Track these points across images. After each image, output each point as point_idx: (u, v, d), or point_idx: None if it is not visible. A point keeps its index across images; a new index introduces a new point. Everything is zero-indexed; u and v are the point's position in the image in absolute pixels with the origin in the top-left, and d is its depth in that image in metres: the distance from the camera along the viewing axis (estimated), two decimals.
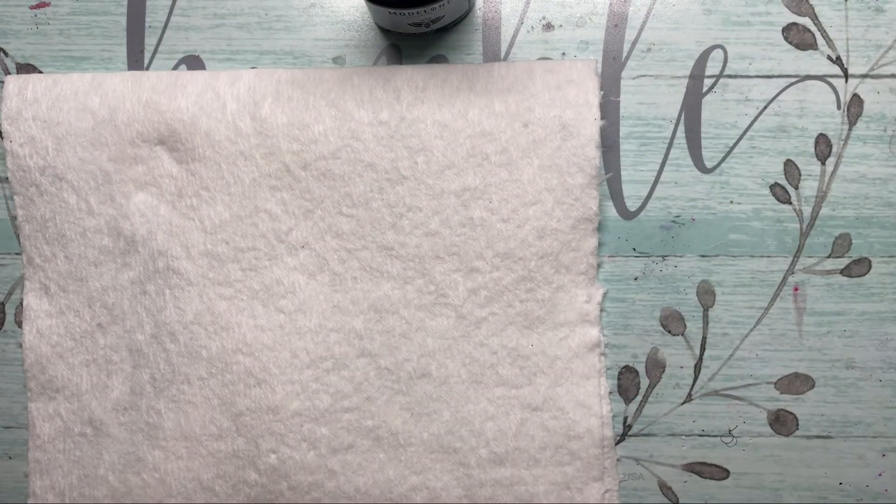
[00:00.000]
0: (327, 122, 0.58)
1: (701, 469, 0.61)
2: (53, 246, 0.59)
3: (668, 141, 0.60)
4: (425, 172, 0.58)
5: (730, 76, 0.59)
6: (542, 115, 0.57)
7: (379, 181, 0.58)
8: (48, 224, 0.59)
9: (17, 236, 0.61)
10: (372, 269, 0.59)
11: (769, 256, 0.60)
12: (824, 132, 0.59)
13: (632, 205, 0.60)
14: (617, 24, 0.60)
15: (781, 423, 0.61)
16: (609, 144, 0.60)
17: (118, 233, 0.59)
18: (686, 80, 0.60)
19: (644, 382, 0.61)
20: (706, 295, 0.60)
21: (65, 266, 0.60)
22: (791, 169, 0.59)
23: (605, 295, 0.60)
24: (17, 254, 0.61)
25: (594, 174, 0.58)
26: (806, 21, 0.59)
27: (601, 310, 0.60)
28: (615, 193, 0.60)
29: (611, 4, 0.60)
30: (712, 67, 0.59)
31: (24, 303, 0.60)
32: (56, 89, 0.59)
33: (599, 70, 0.60)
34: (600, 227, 0.60)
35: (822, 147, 0.59)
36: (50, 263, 0.60)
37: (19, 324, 0.61)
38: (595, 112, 0.57)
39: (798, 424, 0.61)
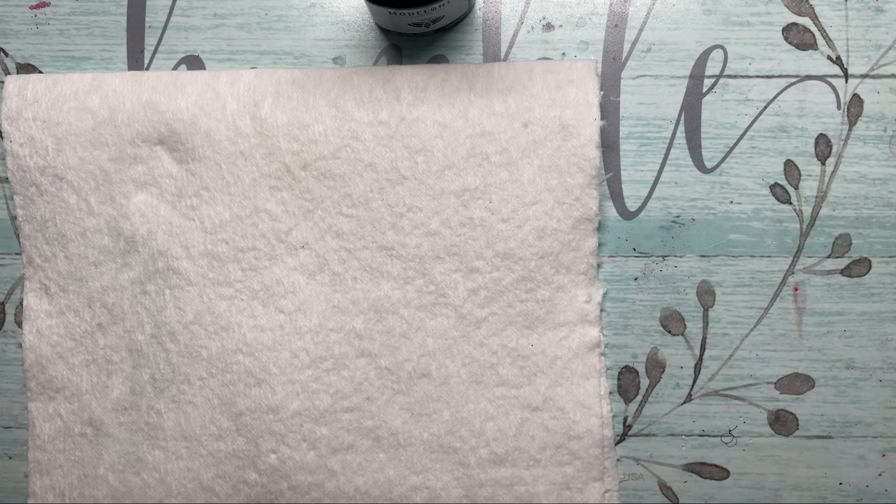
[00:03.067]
0: (327, 122, 0.58)
1: (701, 469, 0.61)
2: (53, 246, 0.59)
3: (668, 141, 0.60)
4: (425, 172, 0.58)
5: (730, 76, 0.59)
6: (542, 115, 0.57)
7: (379, 181, 0.58)
8: (48, 224, 0.59)
9: (17, 236, 0.61)
10: (372, 269, 0.59)
11: (769, 256, 0.60)
12: (824, 132, 0.59)
13: (632, 205, 0.60)
14: (617, 24, 0.60)
15: (781, 423, 0.61)
16: (609, 144, 0.60)
17: (118, 233, 0.59)
18: (686, 80, 0.60)
19: (644, 382, 0.61)
20: (706, 295, 0.60)
21: (65, 266, 0.60)
22: (791, 169, 0.59)
23: (605, 295, 0.60)
24: (17, 254, 0.61)
25: (594, 174, 0.58)
26: (806, 21, 0.59)
27: (601, 310, 0.60)
28: (615, 193, 0.60)
29: (611, 4, 0.60)
30: (712, 67, 0.59)
31: (24, 303, 0.60)
32: (56, 89, 0.59)
33: (599, 70, 0.60)
34: (600, 227, 0.60)
35: (822, 147, 0.59)
36: (50, 263, 0.60)
37: (19, 324, 0.61)
38: (595, 112, 0.57)
39: (798, 424, 0.61)
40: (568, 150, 0.57)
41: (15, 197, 0.59)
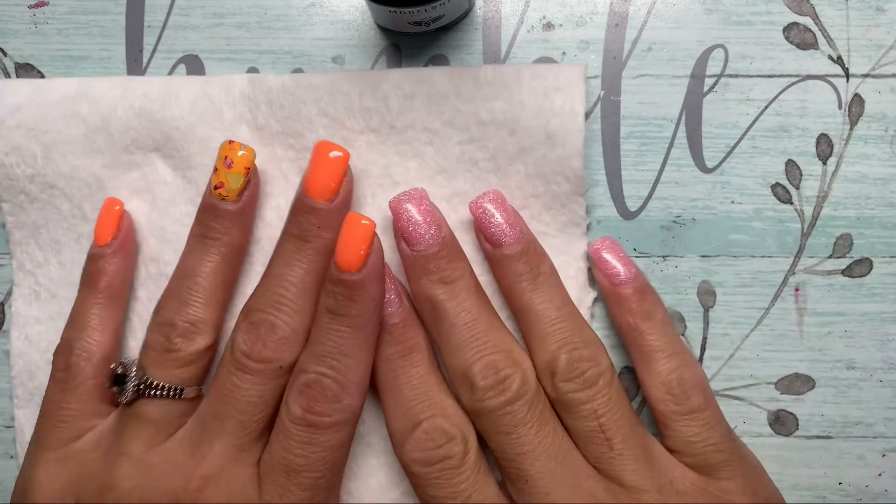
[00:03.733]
0: (320, 131, 0.58)
1: None
2: (46, 251, 0.59)
3: (668, 141, 0.59)
4: (417, 178, 0.58)
5: (731, 76, 0.59)
6: (527, 125, 0.57)
7: (371, 187, 0.58)
8: (41, 230, 0.59)
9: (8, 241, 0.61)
10: None
11: (770, 257, 0.60)
12: (825, 132, 0.59)
13: (632, 205, 0.60)
14: (617, 23, 0.59)
15: (781, 423, 0.60)
16: (609, 144, 0.60)
17: None
18: (687, 80, 0.59)
19: None
20: (707, 295, 0.60)
21: (57, 272, 0.59)
22: (792, 169, 0.59)
23: (595, 300, 0.59)
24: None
25: (579, 184, 0.57)
26: (807, 20, 0.58)
27: (601, 310, 0.60)
28: (615, 193, 0.60)
29: (611, 4, 0.59)
30: (713, 67, 0.59)
31: (13, 309, 0.60)
32: (39, 96, 0.59)
33: (600, 70, 0.59)
34: (601, 228, 0.60)
35: (824, 147, 0.59)
36: (42, 269, 0.60)
37: None
38: (580, 122, 0.56)
39: (798, 424, 0.60)
40: (553, 159, 0.57)
41: (3, 205, 0.59)
